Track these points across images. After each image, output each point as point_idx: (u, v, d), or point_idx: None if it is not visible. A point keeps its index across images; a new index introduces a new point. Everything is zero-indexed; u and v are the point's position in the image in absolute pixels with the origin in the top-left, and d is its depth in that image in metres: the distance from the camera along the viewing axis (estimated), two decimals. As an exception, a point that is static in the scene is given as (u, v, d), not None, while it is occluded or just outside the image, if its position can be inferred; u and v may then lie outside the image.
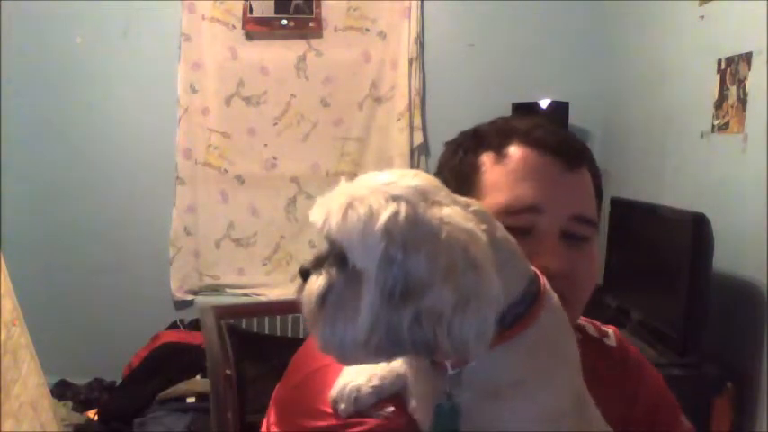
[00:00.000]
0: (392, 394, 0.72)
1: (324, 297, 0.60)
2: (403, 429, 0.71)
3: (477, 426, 0.65)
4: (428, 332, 0.56)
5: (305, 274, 0.63)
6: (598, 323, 0.98)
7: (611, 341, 0.95)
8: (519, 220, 0.79)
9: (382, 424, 0.71)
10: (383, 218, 0.56)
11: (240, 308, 1.32)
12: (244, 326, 2.96)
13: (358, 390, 0.71)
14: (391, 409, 0.71)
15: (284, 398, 0.85)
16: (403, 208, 0.57)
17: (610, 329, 0.98)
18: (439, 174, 0.91)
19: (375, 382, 0.71)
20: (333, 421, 0.72)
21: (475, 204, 0.66)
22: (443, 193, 0.63)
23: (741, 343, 2.02)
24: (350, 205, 0.58)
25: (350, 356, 0.60)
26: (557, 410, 0.65)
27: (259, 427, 0.91)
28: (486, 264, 0.57)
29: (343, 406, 0.71)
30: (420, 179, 0.62)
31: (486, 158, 0.84)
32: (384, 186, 0.59)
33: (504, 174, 0.82)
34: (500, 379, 0.64)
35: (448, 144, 0.91)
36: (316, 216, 0.61)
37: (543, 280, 0.69)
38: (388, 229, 0.56)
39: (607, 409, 0.83)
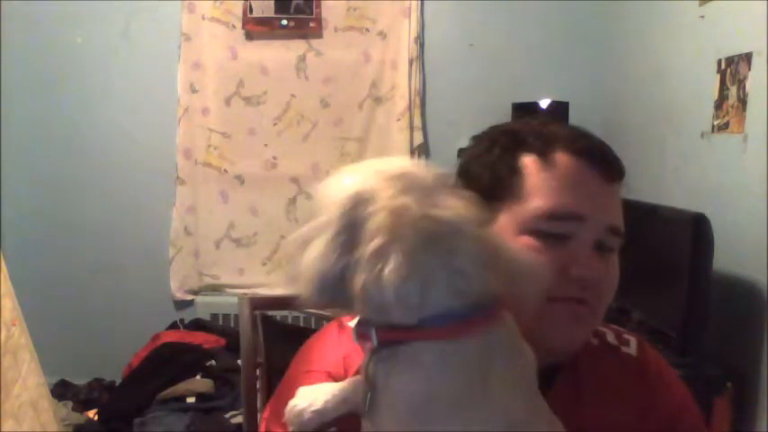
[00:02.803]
0: (336, 418, 0.73)
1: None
2: None
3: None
4: (355, 282, 0.62)
5: None
6: (621, 330, 0.96)
7: (631, 350, 0.93)
8: (561, 227, 0.81)
9: None
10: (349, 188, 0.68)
11: (276, 299, 1.36)
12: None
13: (301, 414, 0.72)
14: (333, 430, 0.73)
15: (272, 399, 0.90)
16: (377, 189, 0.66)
17: (632, 338, 0.95)
18: (467, 168, 0.88)
19: (317, 406, 0.72)
20: None
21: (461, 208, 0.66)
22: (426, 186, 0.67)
23: (741, 343, 2.02)
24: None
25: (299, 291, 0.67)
26: None
27: None
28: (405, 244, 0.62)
29: (290, 428, 0.73)
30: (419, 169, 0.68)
31: (529, 161, 0.83)
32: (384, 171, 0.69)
33: (549, 179, 0.82)
34: (408, 390, 0.64)
35: (478, 138, 0.90)
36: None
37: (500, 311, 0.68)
38: (351, 197, 0.67)
39: (617, 421, 0.83)
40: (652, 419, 0.87)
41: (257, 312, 1.32)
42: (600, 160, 0.84)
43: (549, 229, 0.81)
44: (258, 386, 1.29)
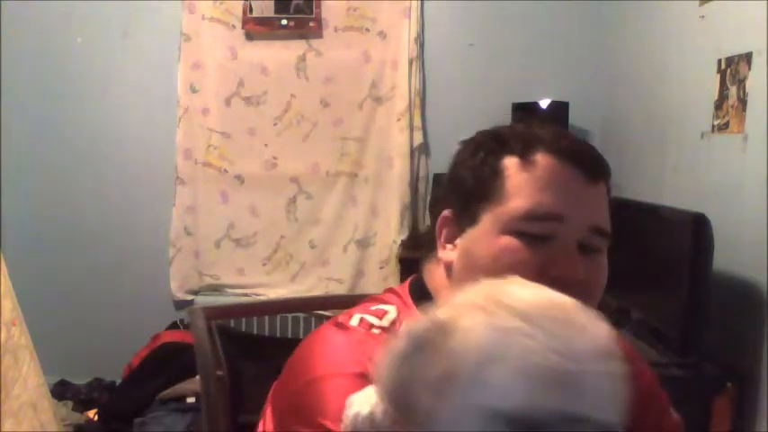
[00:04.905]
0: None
1: None
2: None
3: None
4: None
5: None
6: None
7: None
8: (541, 227, 0.81)
9: None
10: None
11: (230, 308, 1.31)
12: (242, 326, 3.00)
13: (371, 420, 0.64)
14: None
15: (283, 403, 0.84)
16: None
17: None
18: (454, 172, 0.90)
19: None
20: None
21: None
22: None
23: (741, 343, 2.02)
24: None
25: None
26: None
27: (252, 427, 0.91)
28: None
29: None
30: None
31: (510, 163, 0.84)
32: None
33: (529, 180, 0.82)
34: None
35: (465, 143, 0.91)
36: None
37: None
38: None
39: None
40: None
41: (213, 323, 1.24)
42: (581, 160, 0.84)
43: (530, 230, 0.81)
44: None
